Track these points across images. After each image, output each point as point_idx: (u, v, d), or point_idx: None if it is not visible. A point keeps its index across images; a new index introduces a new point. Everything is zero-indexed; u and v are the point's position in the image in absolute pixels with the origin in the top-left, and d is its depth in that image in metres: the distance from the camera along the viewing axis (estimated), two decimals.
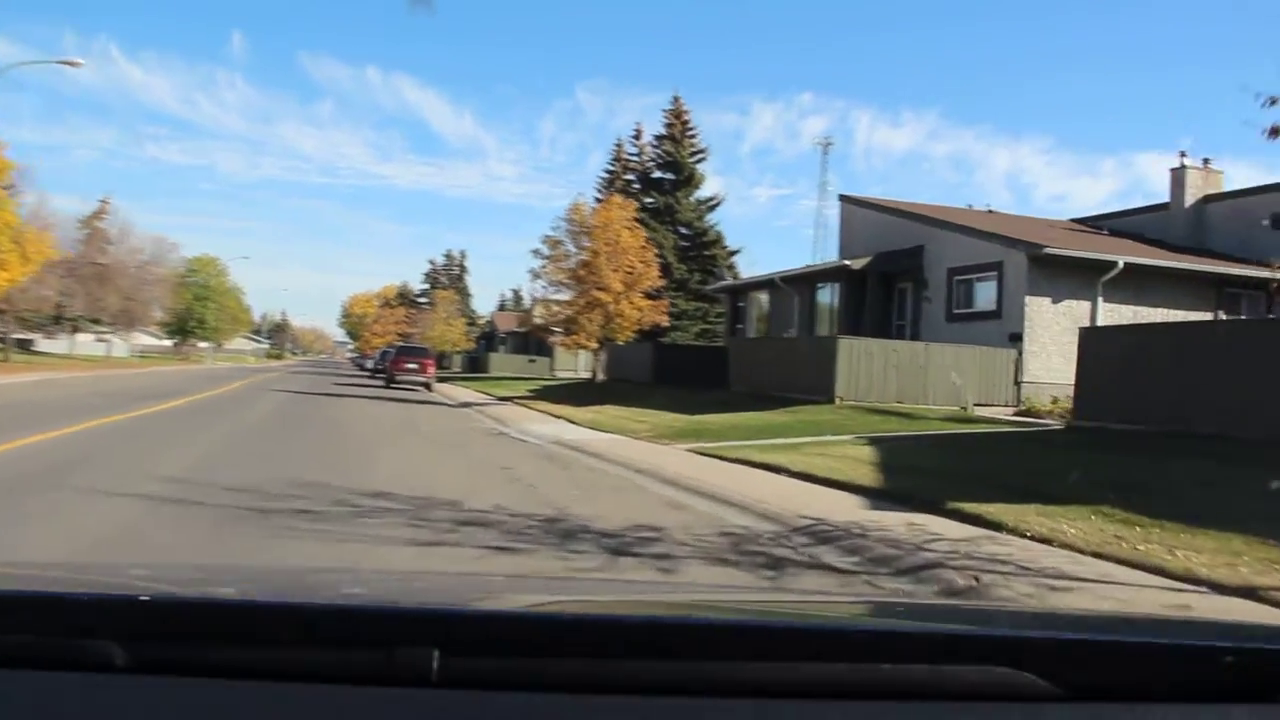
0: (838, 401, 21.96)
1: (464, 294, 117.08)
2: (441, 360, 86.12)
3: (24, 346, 70.07)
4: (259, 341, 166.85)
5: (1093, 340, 16.12)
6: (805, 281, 30.90)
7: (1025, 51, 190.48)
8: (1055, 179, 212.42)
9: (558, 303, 30.33)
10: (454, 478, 11.97)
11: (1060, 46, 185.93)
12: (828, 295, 30.16)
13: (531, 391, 36.61)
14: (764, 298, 34.34)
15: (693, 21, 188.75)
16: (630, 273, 29.24)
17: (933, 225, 28.37)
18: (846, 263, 27.82)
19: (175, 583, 2.10)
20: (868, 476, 11.88)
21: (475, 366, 74.76)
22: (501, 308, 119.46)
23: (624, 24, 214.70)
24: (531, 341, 76.31)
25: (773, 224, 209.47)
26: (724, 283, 41.19)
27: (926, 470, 12.29)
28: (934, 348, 23.25)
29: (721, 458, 14.55)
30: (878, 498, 10.51)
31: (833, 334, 24.61)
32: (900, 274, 28.46)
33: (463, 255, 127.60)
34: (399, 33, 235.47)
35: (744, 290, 36.47)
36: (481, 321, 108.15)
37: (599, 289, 28.70)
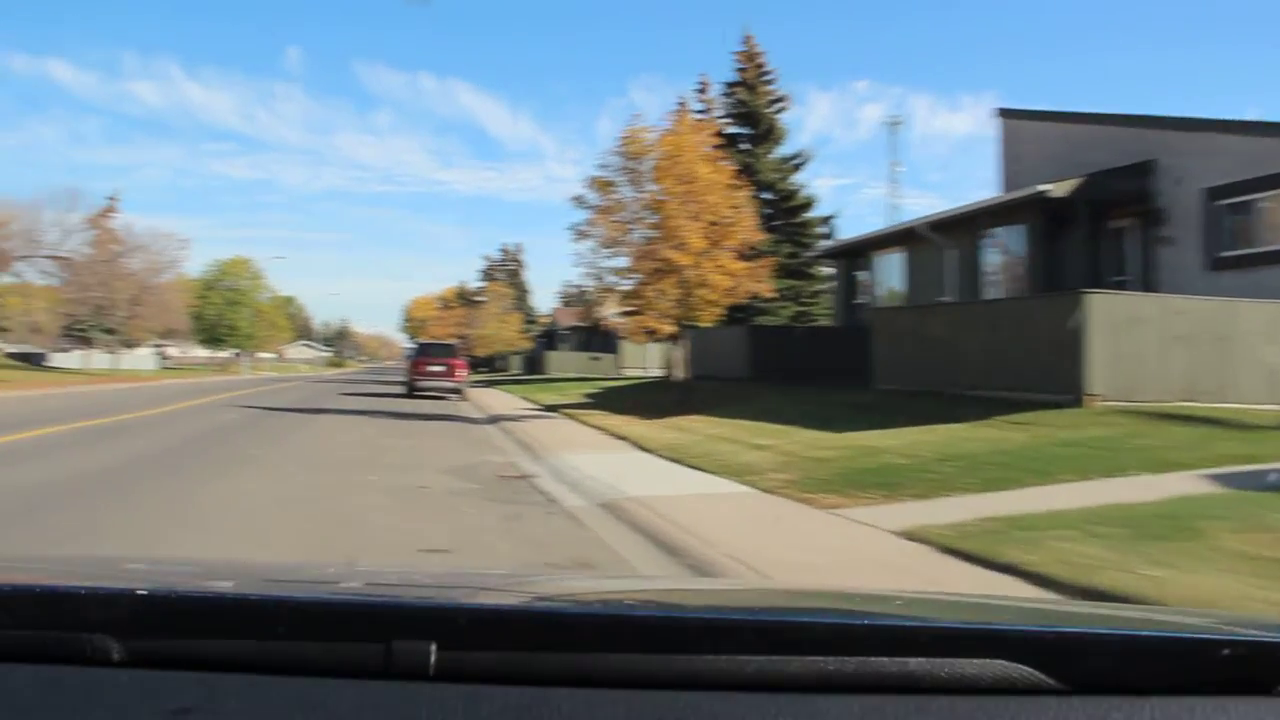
0: (1093, 402, 12.87)
1: (521, 290, 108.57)
2: (495, 361, 78.42)
3: (33, 361, 63.16)
4: (320, 350, 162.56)
5: None
6: (965, 227, 21.64)
7: (1080, 26, 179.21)
8: None
9: (615, 272, 21.16)
10: None
11: (1108, 20, 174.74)
12: (1000, 245, 21.00)
13: (589, 396, 27.81)
14: (896, 259, 25.21)
15: (744, 10, 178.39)
16: (715, 223, 20.15)
17: (1171, 129, 18.96)
18: (1045, 188, 18.48)
19: (172, 577, 2.08)
20: None
21: (533, 367, 66.41)
22: (566, 304, 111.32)
23: (673, 17, 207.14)
24: (595, 337, 67.98)
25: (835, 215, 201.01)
26: (833, 243, 32.00)
27: None
28: (1243, 307, 13.98)
29: (1057, 583, 5.50)
30: None
31: (1075, 289, 15.02)
32: (1114, 205, 19.16)
33: (519, 249, 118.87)
34: (446, 36, 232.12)
35: (863, 251, 27.30)
36: (542, 320, 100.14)
37: (672, 248, 19.63)
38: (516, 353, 76.58)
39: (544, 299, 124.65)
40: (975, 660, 1.30)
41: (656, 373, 50.16)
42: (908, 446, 11.48)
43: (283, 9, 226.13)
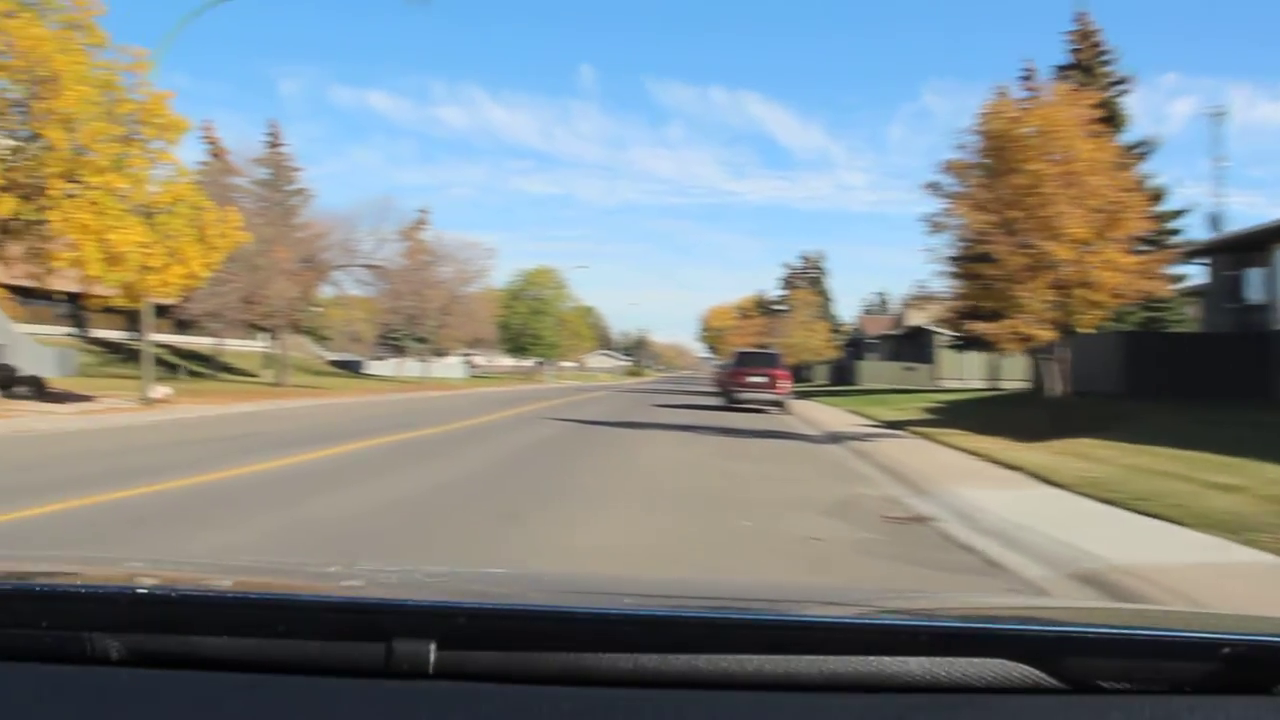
0: None
1: (825, 297, 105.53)
2: (800, 371, 76.08)
3: (351, 368, 65.83)
4: (618, 359, 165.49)
5: None
6: None
7: None
8: None
9: (976, 269, 18.37)
10: None
11: None
12: None
13: (927, 411, 25.05)
14: None
15: (1042, 6, 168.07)
16: (1100, 210, 17.10)
17: None
18: None
19: (173, 576, 2.04)
20: None
21: (841, 377, 63.87)
22: (868, 312, 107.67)
23: (963, 21, 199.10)
24: (905, 346, 64.62)
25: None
26: (1213, 237, 27.90)
27: None
28: None
29: None
30: None
31: None
32: None
33: (821, 256, 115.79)
34: (739, 49, 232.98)
35: (1261, 244, 23.28)
36: (844, 329, 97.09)
37: (1047, 239, 16.74)
38: (822, 362, 74.14)
39: (842, 308, 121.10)
40: (975, 660, 1.27)
41: (977, 384, 46.54)
42: None
43: (576, 30, 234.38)
